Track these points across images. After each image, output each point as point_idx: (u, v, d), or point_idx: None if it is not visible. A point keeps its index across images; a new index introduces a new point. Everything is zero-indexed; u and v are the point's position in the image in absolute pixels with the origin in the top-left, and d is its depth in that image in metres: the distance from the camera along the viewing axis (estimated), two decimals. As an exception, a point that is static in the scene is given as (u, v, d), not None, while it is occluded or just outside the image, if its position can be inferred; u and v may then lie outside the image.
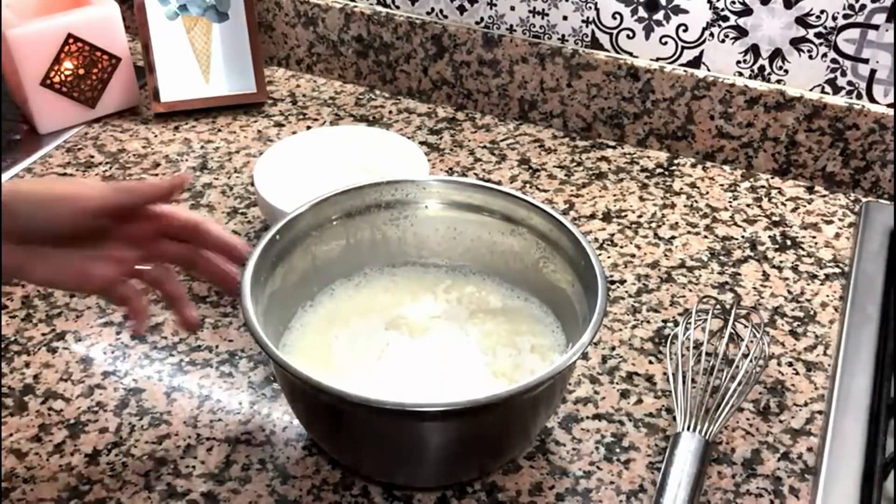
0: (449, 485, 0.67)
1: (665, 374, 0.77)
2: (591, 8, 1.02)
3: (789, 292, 0.86)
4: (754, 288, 0.86)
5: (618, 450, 0.71)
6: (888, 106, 0.95)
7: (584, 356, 0.78)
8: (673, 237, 0.93)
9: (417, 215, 0.76)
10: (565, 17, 1.04)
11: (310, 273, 0.74)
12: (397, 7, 1.12)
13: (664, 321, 0.82)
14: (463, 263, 0.78)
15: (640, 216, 0.95)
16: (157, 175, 1.01)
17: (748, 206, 0.97)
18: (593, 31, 1.04)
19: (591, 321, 0.62)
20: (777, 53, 0.97)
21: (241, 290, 0.63)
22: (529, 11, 1.05)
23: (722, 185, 1.01)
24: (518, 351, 0.71)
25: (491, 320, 0.73)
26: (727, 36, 0.98)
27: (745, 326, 0.77)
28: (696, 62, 1.01)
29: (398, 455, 0.64)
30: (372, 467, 0.67)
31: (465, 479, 0.67)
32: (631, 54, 1.03)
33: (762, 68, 0.98)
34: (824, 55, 0.95)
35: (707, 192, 0.99)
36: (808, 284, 0.87)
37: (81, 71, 1.06)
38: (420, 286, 0.76)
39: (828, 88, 0.97)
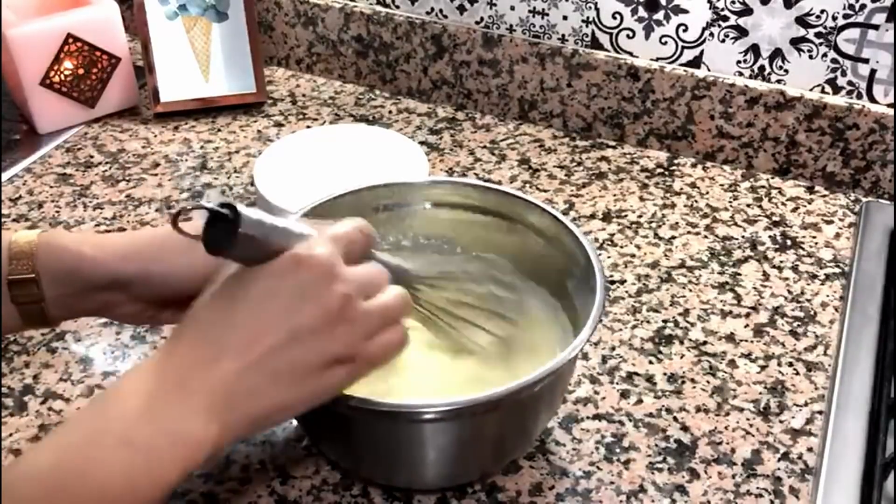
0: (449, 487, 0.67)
1: (665, 373, 0.77)
2: (591, 8, 1.02)
3: (789, 292, 0.86)
4: (754, 288, 0.86)
5: (618, 450, 0.71)
6: (888, 106, 0.95)
7: (584, 356, 0.78)
8: (673, 237, 0.93)
9: (417, 217, 0.76)
10: (565, 17, 1.04)
11: None
12: (397, 7, 1.12)
13: (664, 321, 0.82)
14: (465, 263, 0.77)
15: (640, 216, 0.95)
16: (156, 175, 1.01)
17: (748, 206, 0.97)
18: (593, 31, 1.04)
19: (588, 319, 0.62)
20: (777, 53, 0.97)
21: None
22: (529, 11, 1.05)
23: (722, 185, 1.01)
24: (521, 349, 0.70)
25: (495, 319, 0.73)
26: (727, 36, 0.98)
27: None
28: (696, 62, 1.01)
29: (397, 458, 0.64)
30: (371, 470, 0.67)
31: (464, 482, 0.67)
32: (631, 54, 1.03)
33: (762, 68, 0.98)
34: (824, 55, 0.95)
35: (707, 192, 0.99)
36: (809, 284, 0.87)
37: (81, 71, 1.06)
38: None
39: (828, 88, 0.97)
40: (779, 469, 0.69)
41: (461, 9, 1.09)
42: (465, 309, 0.65)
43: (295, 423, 0.72)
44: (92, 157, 1.04)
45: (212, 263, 0.53)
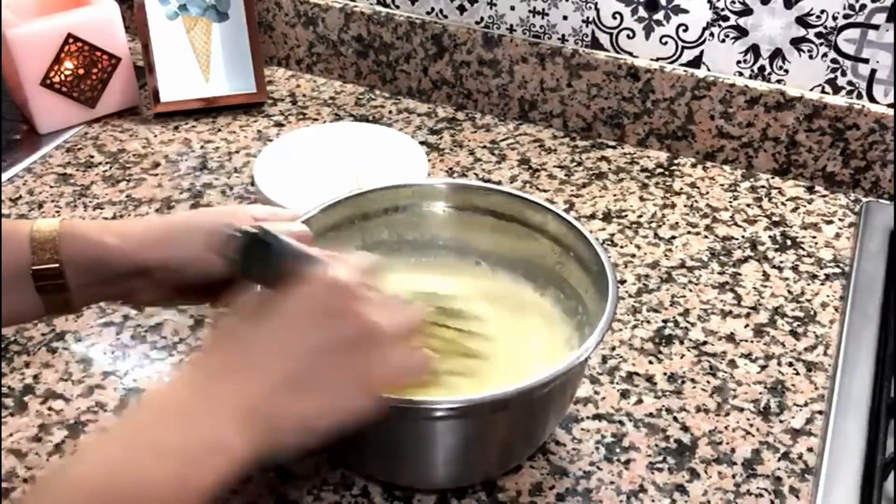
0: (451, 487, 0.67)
1: (665, 373, 0.77)
2: (591, 8, 1.02)
3: (789, 292, 0.86)
4: (754, 288, 0.86)
5: (618, 450, 0.70)
6: (888, 106, 0.95)
7: (585, 356, 0.78)
8: (673, 237, 0.93)
9: (433, 218, 0.76)
10: (565, 17, 1.04)
11: None
12: (397, 7, 1.12)
13: (664, 321, 0.82)
14: (479, 267, 0.78)
15: (640, 216, 0.95)
16: (156, 175, 1.01)
17: (748, 206, 0.97)
18: (593, 31, 1.04)
19: (598, 324, 0.62)
20: (777, 53, 0.97)
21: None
22: (529, 11, 1.05)
23: (722, 185, 1.01)
24: (534, 353, 0.70)
25: (508, 321, 0.73)
26: (727, 36, 0.98)
27: None
28: (696, 62, 1.01)
29: (403, 455, 0.64)
30: (375, 467, 0.66)
31: (466, 484, 0.67)
32: (631, 54, 1.03)
33: (762, 68, 0.98)
34: (824, 55, 0.95)
35: (707, 192, 0.99)
36: (809, 284, 0.87)
37: (81, 71, 1.06)
38: (438, 289, 0.76)
39: (828, 88, 0.97)
40: (779, 469, 0.69)
41: (461, 9, 1.09)
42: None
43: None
44: (92, 157, 1.04)
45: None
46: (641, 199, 0.98)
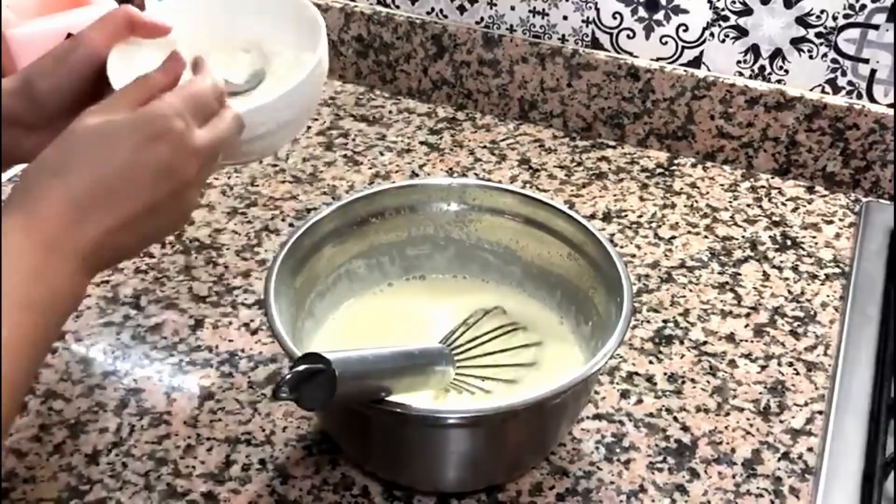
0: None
1: (665, 373, 0.77)
2: (591, 8, 1.02)
3: (789, 292, 0.86)
4: (754, 288, 0.86)
5: (618, 450, 0.71)
6: (888, 106, 0.95)
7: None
8: (673, 237, 0.93)
9: (444, 217, 0.76)
10: (565, 17, 1.04)
11: (330, 277, 0.74)
12: (397, 7, 1.12)
13: (664, 321, 0.82)
14: (489, 273, 0.78)
15: (640, 216, 0.95)
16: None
17: (748, 206, 0.97)
18: (593, 31, 1.04)
19: (614, 332, 0.62)
20: (777, 53, 0.97)
21: (266, 290, 0.64)
22: (529, 11, 1.05)
23: (722, 185, 1.01)
24: (545, 361, 0.70)
25: (519, 333, 0.73)
26: (727, 36, 0.98)
27: None
28: (696, 62, 1.01)
29: (412, 460, 0.64)
30: (379, 467, 0.66)
31: (470, 490, 0.67)
32: (631, 54, 1.03)
33: (762, 68, 0.98)
34: (824, 55, 0.95)
35: (707, 192, 0.99)
36: (809, 284, 0.87)
37: (81, 71, 1.06)
38: (447, 294, 0.76)
39: (828, 88, 0.97)
40: (779, 469, 0.69)
41: (461, 9, 1.09)
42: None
43: (296, 422, 0.72)
44: (92, 157, 1.04)
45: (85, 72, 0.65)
46: (641, 199, 0.98)
